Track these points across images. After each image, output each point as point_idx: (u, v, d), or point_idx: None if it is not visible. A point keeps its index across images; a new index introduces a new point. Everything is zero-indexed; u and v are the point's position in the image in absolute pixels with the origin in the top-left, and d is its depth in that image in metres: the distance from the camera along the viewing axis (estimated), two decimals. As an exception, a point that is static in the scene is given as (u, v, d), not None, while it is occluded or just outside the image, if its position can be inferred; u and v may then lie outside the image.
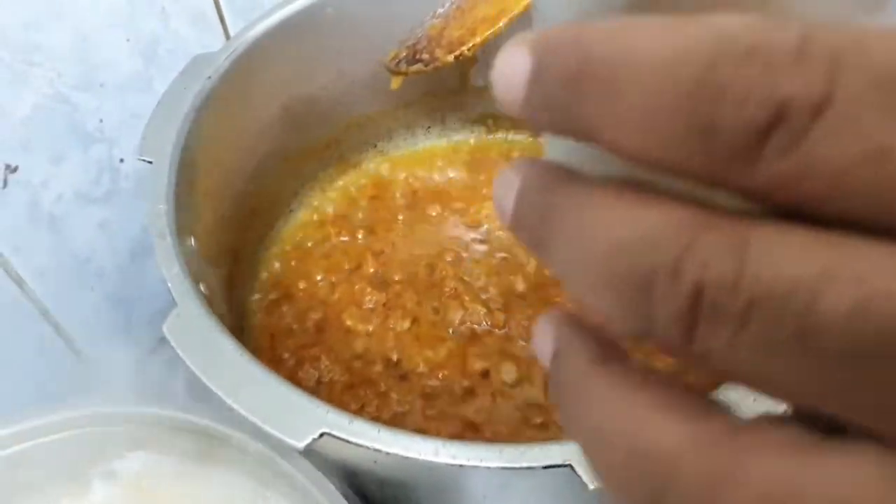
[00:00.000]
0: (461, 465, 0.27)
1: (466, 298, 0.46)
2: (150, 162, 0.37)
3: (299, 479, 0.31)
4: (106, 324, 0.50)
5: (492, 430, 0.41)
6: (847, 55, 0.09)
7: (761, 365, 0.10)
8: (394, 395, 0.42)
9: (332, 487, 0.31)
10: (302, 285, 0.48)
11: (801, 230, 0.10)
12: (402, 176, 0.55)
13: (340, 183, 0.55)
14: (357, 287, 0.47)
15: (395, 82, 0.49)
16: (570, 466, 0.26)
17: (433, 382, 0.43)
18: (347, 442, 0.27)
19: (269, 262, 0.50)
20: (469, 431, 0.41)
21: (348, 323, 0.46)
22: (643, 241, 0.10)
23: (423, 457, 0.27)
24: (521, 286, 0.47)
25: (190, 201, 0.38)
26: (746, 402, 0.23)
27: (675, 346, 0.10)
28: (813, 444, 0.10)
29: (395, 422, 0.41)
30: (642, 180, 0.11)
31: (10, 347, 0.45)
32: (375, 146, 0.56)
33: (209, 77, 0.41)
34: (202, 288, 0.34)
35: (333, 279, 0.48)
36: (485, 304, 0.46)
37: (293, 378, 0.42)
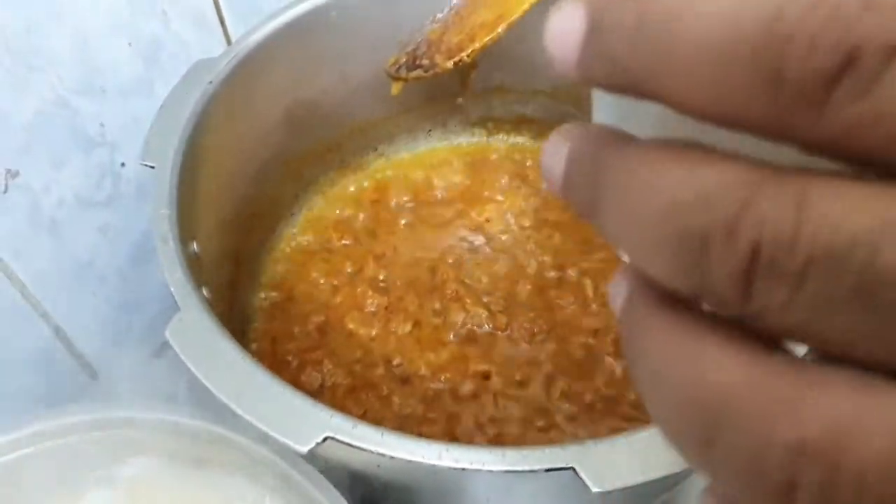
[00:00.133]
0: (464, 469, 0.27)
1: (468, 301, 0.46)
2: (153, 167, 0.37)
3: (303, 483, 0.31)
4: (107, 328, 0.50)
5: (494, 432, 0.41)
6: None
7: (819, 322, 0.10)
8: (396, 399, 0.42)
9: (335, 492, 0.31)
10: (304, 289, 0.48)
11: (860, 184, 0.09)
12: (403, 179, 0.55)
13: (342, 186, 0.55)
14: (359, 290, 0.47)
15: (396, 88, 0.49)
16: (573, 469, 0.26)
17: (435, 385, 0.43)
18: (351, 446, 0.27)
19: (271, 265, 0.50)
20: (471, 434, 0.41)
21: (350, 326, 0.46)
22: (699, 200, 0.10)
23: (426, 461, 0.27)
24: (522, 288, 0.47)
25: (192, 205, 0.38)
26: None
27: (731, 304, 0.10)
28: (873, 383, 0.10)
29: (398, 425, 0.41)
30: (697, 140, 0.11)
31: (11, 352, 0.44)
32: (377, 149, 0.56)
33: (210, 82, 0.41)
34: (204, 292, 0.34)
35: (335, 282, 0.48)
36: (486, 306, 0.46)
37: (296, 382, 0.42)
